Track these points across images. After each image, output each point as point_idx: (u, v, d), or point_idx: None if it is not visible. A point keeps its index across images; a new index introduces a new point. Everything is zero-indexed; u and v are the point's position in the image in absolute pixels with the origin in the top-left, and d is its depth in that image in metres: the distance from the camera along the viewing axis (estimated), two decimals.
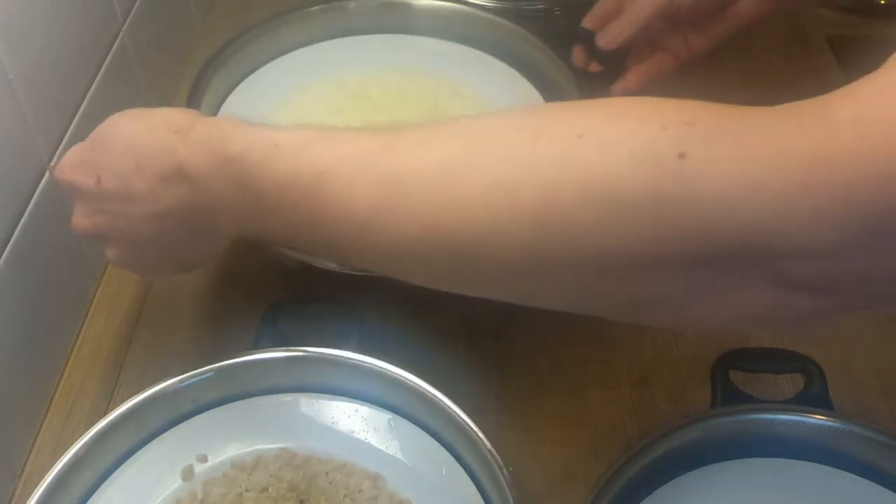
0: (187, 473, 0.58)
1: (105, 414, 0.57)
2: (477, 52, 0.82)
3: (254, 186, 0.46)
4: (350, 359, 0.61)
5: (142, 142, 0.50)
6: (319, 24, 0.82)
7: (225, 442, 0.60)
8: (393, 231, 0.42)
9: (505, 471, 0.54)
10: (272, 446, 0.60)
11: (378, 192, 0.42)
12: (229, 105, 0.77)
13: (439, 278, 0.44)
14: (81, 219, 0.54)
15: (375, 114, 0.76)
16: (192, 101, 0.73)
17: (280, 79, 0.80)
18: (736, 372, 0.64)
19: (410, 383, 0.59)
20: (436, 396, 0.58)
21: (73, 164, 0.53)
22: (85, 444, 0.56)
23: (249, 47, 0.79)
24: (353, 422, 0.61)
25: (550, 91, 0.78)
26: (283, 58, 0.81)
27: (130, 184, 0.50)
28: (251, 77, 0.80)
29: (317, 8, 0.82)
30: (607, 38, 0.72)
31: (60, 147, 0.67)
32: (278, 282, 0.76)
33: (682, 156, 0.35)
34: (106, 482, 0.58)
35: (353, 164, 0.43)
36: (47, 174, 0.65)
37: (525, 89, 0.79)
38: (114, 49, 0.77)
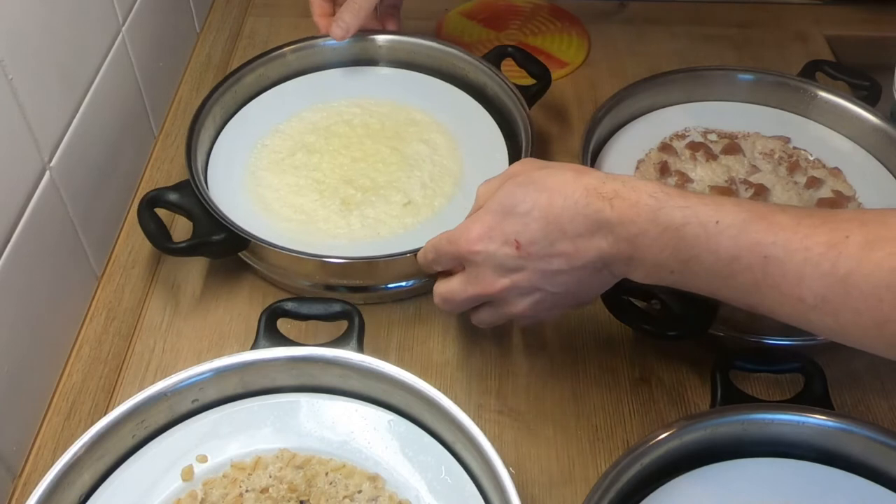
0: (187, 473, 0.58)
1: (105, 414, 0.57)
2: (420, 76, 0.90)
3: (689, 254, 0.52)
4: (350, 359, 0.61)
5: (559, 208, 0.55)
6: (274, 68, 0.89)
7: (225, 442, 0.60)
8: (839, 320, 0.48)
9: (505, 471, 0.54)
10: (272, 446, 0.60)
11: (827, 287, 0.47)
12: (216, 158, 0.82)
13: (883, 349, 0.49)
14: (497, 279, 0.59)
15: (349, 149, 0.82)
16: (191, 165, 0.76)
17: (257, 121, 0.86)
18: (736, 372, 0.64)
19: (410, 383, 0.59)
20: (436, 396, 0.58)
21: (480, 236, 0.58)
22: (85, 444, 0.56)
23: (230, 93, 0.85)
24: (353, 422, 0.61)
25: (492, 104, 0.85)
26: (247, 107, 0.87)
27: (554, 244, 0.56)
28: (231, 121, 0.85)
29: (276, 53, 0.88)
30: (340, 31, 0.84)
31: (60, 147, 0.68)
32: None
33: None
34: (106, 482, 0.58)
35: (799, 255, 0.48)
36: (47, 174, 0.65)
37: (470, 105, 0.86)
38: (114, 49, 0.78)
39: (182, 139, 0.89)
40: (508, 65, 0.87)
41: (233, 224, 0.72)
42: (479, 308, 0.63)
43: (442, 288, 0.63)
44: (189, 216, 0.73)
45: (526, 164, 0.61)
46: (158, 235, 0.72)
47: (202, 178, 0.78)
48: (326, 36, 0.88)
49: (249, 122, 0.85)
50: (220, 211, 0.73)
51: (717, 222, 0.51)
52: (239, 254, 0.75)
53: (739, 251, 0.50)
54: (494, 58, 0.86)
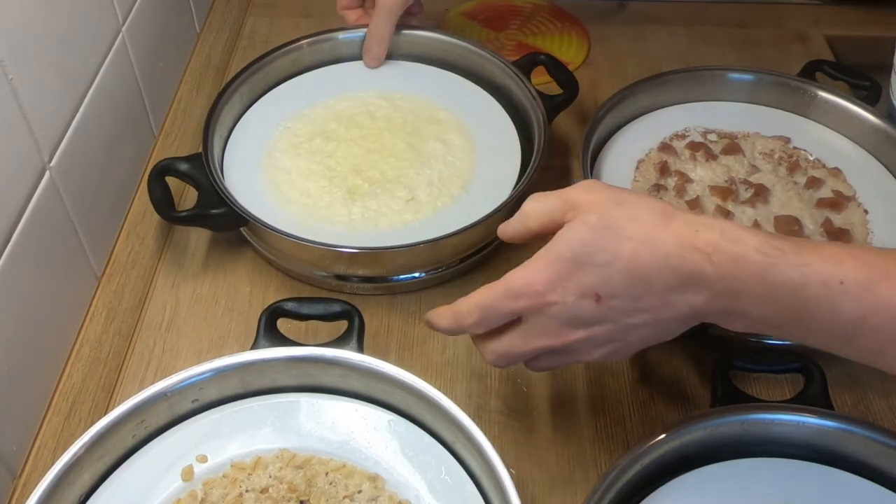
0: (187, 473, 0.58)
1: (105, 414, 0.57)
2: (451, 75, 0.91)
3: (804, 313, 0.49)
4: (350, 359, 0.61)
5: (646, 260, 0.50)
6: (309, 54, 0.90)
7: (225, 442, 0.60)
8: None
9: (505, 471, 0.54)
10: (272, 446, 0.60)
11: None
12: (237, 135, 0.84)
13: None
14: (571, 332, 0.53)
15: (366, 140, 0.83)
16: (208, 139, 0.79)
17: (284, 103, 0.87)
18: (736, 372, 0.64)
19: (410, 383, 0.59)
20: (436, 396, 0.58)
21: (551, 286, 0.52)
22: (85, 444, 0.56)
23: (250, 81, 0.87)
24: (353, 422, 0.61)
25: (516, 111, 0.86)
26: (278, 89, 0.89)
27: (640, 299, 0.51)
28: (260, 101, 0.88)
29: (306, 41, 0.90)
30: (373, 62, 0.89)
31: (60, 147, 0.68)
32: (278, 282, 0.76)
33: None
34: (106, 482, 0.58)
35: None
36: (47, 174, 0.65)
37: (495, 110, 0.87)
38: (114, 49, 0.78)
39: (183, 139, 0.89)
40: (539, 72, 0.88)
41: (232, 199, 0.74)
42: (539, 356, 0.57)
43: (498, 346, 0.56)
44: (197, 187, 0.75)
45: (596, 194, 0.53)
46: (163, 203, 0.74)
47: (217, 153, 0.80)
48: (354, 28, 0.90)
49: (277, 104, 0.87)
50: (224, 185, 0.75)
51: (842, 283, 0.47)
52: (241, 229, 0.77)
53: (866, 312, 0.47)
54: (525, 64, 0.86)
